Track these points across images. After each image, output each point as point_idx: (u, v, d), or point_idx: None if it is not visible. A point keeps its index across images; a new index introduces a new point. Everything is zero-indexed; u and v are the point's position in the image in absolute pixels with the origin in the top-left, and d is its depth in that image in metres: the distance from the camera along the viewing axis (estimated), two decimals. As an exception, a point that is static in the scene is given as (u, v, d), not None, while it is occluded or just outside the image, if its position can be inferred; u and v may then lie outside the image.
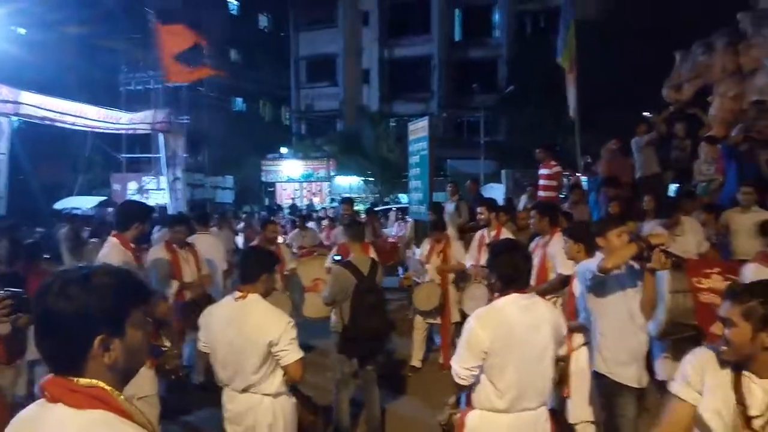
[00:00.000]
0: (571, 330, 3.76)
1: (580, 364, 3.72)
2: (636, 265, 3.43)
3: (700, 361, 2.02)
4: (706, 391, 1.96)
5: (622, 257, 3.27)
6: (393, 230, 12.38)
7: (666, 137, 7.94)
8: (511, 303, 2.70)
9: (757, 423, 1.84)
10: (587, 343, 3.69)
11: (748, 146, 6.58)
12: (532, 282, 5.11)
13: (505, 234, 5.97)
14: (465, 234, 7.23)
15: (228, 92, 30.11)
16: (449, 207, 9.75)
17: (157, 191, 18.70)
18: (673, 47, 10.03)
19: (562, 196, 8.45)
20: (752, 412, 1.84)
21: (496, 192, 13.34)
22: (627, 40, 15.77)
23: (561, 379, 3.78)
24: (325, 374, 5.25)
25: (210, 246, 6.19)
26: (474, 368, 2.67)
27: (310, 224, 11.62)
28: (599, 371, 3.52)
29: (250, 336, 2.93)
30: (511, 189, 13.15)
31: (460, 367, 2.69)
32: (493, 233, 6.02)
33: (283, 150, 29.69)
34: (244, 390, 2.99)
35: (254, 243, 6.40)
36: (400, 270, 9.54)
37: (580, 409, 3.74)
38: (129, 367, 1.33)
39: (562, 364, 3.81)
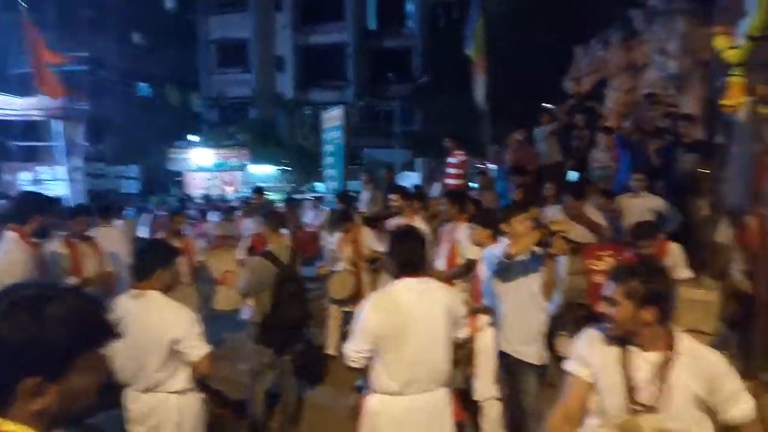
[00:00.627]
0: (477, 311, 3.92)
1: (484, 344, 3.88)
2: (538, 250, 3.61)
3: (589, 340, 2.15)
4: (597, 368, 2.09)
5: (525, 244, 3.43)
6: (308, 220, 12.29)
7: (567, 127, 8.38)
8: (406, 287, 2.77)
9: (641, 394, 1.98)
10: (492, 324, 3.84)
11: (639, 136, 7.09)
12: (443, 267, 5.30)
13: (418, 222, 6.08)
14: (379, 222, 7.30)
15: (132, 76, 28.52)
16: (364, 195, 9.81)
17: (53, 182, 17.45)
18: (575, 42, 10.59)
19: (473, 185, 8.73)
20: (637, 384, 1.99)
21: (412, 180, 13.56)
22: (532, 34, 16.42)
23: (467, 359, 3.95)
24: (238, 367, 5.16)
25: (114, 240, 5.89)
26: (364, 351, 2.73)
27: (214, 216, 11.28)
28: (503, 350, 3.69)
29: (150, 334, 2.81)
30: (426, 177, 13.41)
31: (351, 349, 2.76)
32: (405, 221, 6.11)
33: (193, 138, 28.57)
34: (147, 389, 2.88)
35: (159, 235, 6.15)
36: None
37: (485, 387, 3.91)
38: (66, 413, 1.10)
39: (469, 345, 3.98)
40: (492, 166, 9.06)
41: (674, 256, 4.53)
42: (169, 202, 18.04)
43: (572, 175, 7.60)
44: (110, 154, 24.65)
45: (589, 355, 2.12)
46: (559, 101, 9.54)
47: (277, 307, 4.47)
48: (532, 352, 3.63)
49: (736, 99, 3.45)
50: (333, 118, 11.71)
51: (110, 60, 25.54)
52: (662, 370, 1.96)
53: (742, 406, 1.96)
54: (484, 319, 3.92)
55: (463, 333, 2.99)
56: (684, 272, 4.47)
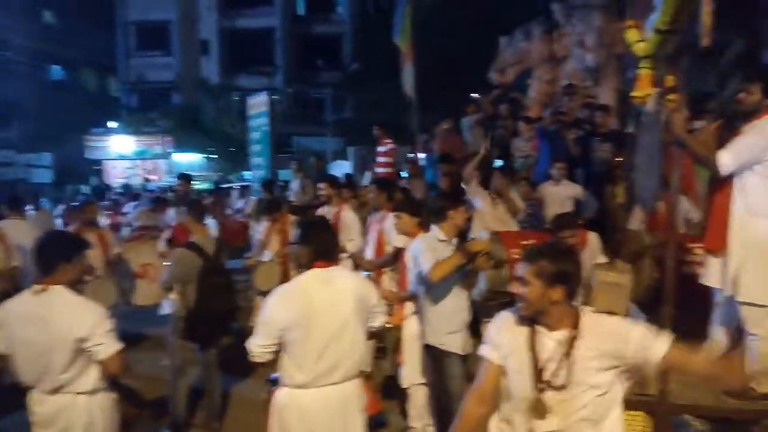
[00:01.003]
0: (404, 299, 3.94)
1: (411, 331, 3.91)
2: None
3: (500, 323, 2.22)
4: (507, 350, 2.15)
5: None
6: (236, 209, 11.99)
7: (492, 117, 8.56)
8: (313, 277, 2.73)
9: (547, 373, 2.05)
10: (416, 312, 3.87)
11: (558, 126, 7.35)
12: (371, 255, 5.30)
13: (346, 211, 6.05)
14: (310, 211, 7.21)
15: (43, 58, 26.72)
16: (294, 184, 9.68)
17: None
18: (500, 33, 10.82)
19: (404, 173, 8.78)
20: (543, 363, 2.05)
21: (344, 169, 13.48)
22: (460, 25, 16.69)
23: (394, 347, 3.97)
24: (160, 363, 4.97)
25: (23, 233, 5.52)
26: (269, 346, 2.68)
27: (131, 206, 10.80)
28: (429, 343, 3.72)
29: (55, 333, 2.64)
30: (359, 166, 13.37)
31: (255, 344, 2.70)
32: (334, 210, 6.07)
33: (112, 124, 27.16)
34: (54, 391, 2.70)
35: (71, 227, 5.79)
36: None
37: (411, 373, 3.95)
38: None
39: (395, 333, 4.01)
40: (421, 155, 9.14)
41: (592, 245, 4.75)
42: (84, 192, 17.12)
43: (497, 165, 7.78)
44: (20, 142, 23.07)
45: (499, 337, 2.19)
46: (486, 91, 9.72)
47: (202, 300, 4.36)
48: (457, 342, 3.69)
49: (644, 90, 3.61)
50: (258, 104, 11.42)
51: (17, 40, 23.81)
52: (567, 348, 2.03)
53: (660, 340, 2.03)
54: (410, 306, 3.95)
55: (378, 322, 2.94)
56: (600, 258, 4.69)
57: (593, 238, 4.81)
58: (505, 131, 8.07)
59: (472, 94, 9.47)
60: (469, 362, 3.79)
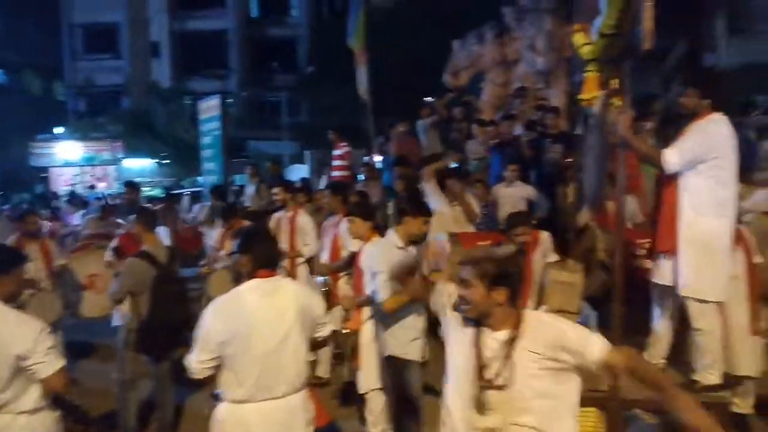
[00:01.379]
0: (360, 305, 3.91)
1: (368, 336, 3.88)
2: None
3: (448, 323, 2.28)
4: (451, 350, 2.21)
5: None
6: (190, 215, 11.71)
7: (447, 120, 8.65)
8: (253, 288, 2.66)
9: (488, 372, 2.08)
10: (372, 316, 3.85)
11: (511, 129, 7.48)
12: (327, 260, 5.25)
13: (302, 215, 5.99)
14: (266, 216, 7.11)
15: (-19, 61, 25.60)
16: (249, 189, 9.53)
17: None
18: (454, 36, 10.94)
19: (360, 177, 8.76)
20: (485, 363, 2.08)
21: (301, 173, 13.37)
22: (414, 28, 16.79)
23: (351, 353, 3.93)
24: (109, 377, 4.79)
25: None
26: (207, 361, 2.59)
27: (76, 216, 10.43)
28: (393, 354, 3.66)
29: (-10, 351, 2.50)
30: (315, 170, 13.28)
31: (192, 360, 2.61)
32: (290, 214, 6.00)
33: (58, 130, 26.17)
34: (-8, 411, 2.55)
35: (10, 238, 5.53)
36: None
37: (369, 379, 3.92)
38: None
39: (353, 339, 3.97)
40: (378, 158, 9.14)
41: (545, 244, 4.82)
42: (25, 201, 16.43)
43: (452, 167, 7.86)
44: (-42, 149, 22.01)
45: (446, 337, 2.26)
46: (441, 94, 9.80)
47: (155, 311, 4.26)
48: (418, 350, 3.69)
49: (591, 93, 3.70)
50: (210, 108, 11.21)
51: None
52: (508, 348, 2.07)
53: (595, 343, 2.07)
54: (367, 311, 3.92)
55: (324, 332, 2.89)
56: (552, 257, 4.76)
57: (545, 238, 4.87)
58: (459, 134, 8.15)
59: (426, 98, 9.54)
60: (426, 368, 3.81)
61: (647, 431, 3.41)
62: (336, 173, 8.35)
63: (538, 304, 4.09)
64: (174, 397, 4.60)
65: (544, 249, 4.75)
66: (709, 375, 3.42)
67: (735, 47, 12.25)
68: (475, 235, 5.27)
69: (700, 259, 3.39)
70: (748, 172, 4.21)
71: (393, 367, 3.70)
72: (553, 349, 2.05)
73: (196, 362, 2.60)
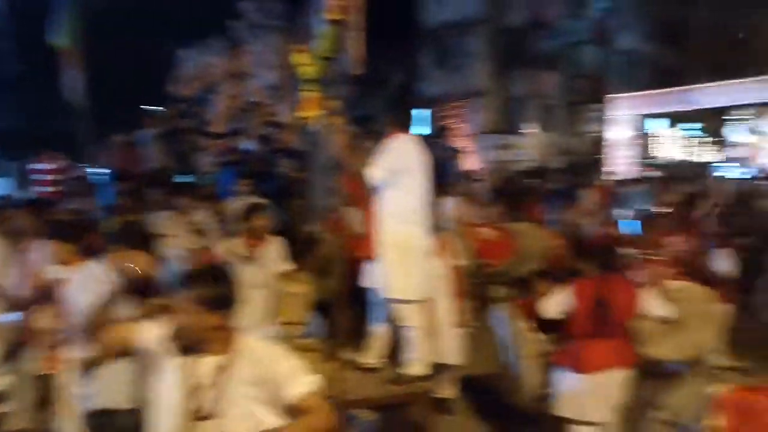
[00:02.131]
0: (63, 342, 3.37)
1: (68, 380, 3.35)
2: None
3: (156, 364, 2.09)
4: (159, 386, 2.05)
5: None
6: None
7: (174, 132, 8.19)
8: None
9: (199, 400, 1.97)
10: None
11: (238, 143, 7.43)
12: (22, 291, 4.44)
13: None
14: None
15: None
16: None
17: None
18: (178, 46, 10.45)
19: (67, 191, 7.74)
20: (198, 390, 1.98)
21: (2, 188, 11.29)
22: (133, 34, 15.65)
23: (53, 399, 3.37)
24: None
25: None
26: None
27: None
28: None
29: None
30: (21, 184, 11.39)
31: None
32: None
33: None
34: None
35: None
36: None
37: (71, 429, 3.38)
38: None
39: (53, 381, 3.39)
40: (93, 170, 8.19)
41: (276, 254, 4.81)
42: None
43: (180, 179, 7.49)
44: None
45: (152, 380, 2.10)
46: (166, 104, 9.26)
47: None
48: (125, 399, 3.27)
49: (308, 111, 3.88)
50: None
51: None
52: (220, 374, 1.99)
53: (300, 382, 2.02)
54: (71, 350, 3.37)
55: None
56: (284, 265, 4.78)
57: (277, 248, 4.88)
58: (187, 146, 7.81)
59: (147, 107, 8.91)
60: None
61: (367, 428, 3.66)
62: (42, 188, 7.22)
63: (268, 316, 4.08)
64: None
65: (275, 259, 4.72)
66: (415, 367, 3.80)
67: (437, 78, 14.38)
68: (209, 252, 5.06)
69: (397, 262, 3.75)
70: (442, 185, 4.84)
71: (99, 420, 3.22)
72: (260, 374, 2.01)
73: None
